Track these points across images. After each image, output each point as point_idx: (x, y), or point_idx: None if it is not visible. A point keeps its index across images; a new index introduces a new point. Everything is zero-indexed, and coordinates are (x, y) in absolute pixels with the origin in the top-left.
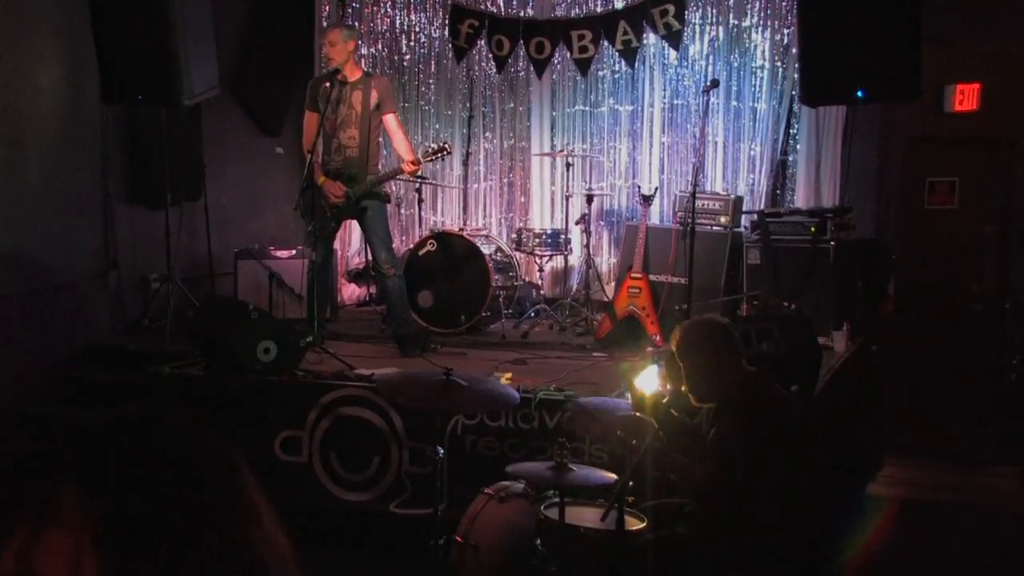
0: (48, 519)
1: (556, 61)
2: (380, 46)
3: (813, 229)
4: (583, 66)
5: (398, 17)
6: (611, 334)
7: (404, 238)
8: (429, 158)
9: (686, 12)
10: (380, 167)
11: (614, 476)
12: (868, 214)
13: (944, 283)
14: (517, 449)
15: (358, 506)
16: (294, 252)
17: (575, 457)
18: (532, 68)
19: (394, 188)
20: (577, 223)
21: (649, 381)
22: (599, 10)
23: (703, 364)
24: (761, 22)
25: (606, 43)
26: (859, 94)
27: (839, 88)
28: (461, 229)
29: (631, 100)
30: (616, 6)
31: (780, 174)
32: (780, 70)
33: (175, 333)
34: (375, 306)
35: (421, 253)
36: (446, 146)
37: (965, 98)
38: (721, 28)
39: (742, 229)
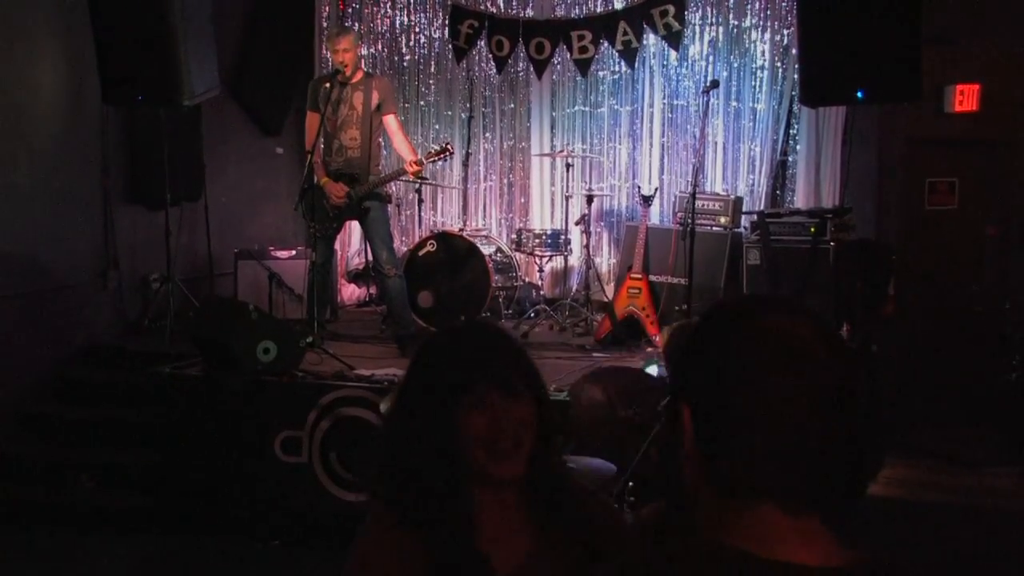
0: None
1: (556, 61)
2: (380, 46)
3: (813, 230)
4: (583, 66)
5: (398, 17)
6: (611, 334)
7: (404, 238)
8: (432, 158)
9: (686, 13)
10: (381, 168)
11: (612, 466)
12: (868, 214)
13: (944, 283)
14: None
15: (358, 506)
16: (294, 252)
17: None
18: (532, 68)
19: (394, 189)
20: (577, 223)
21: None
22: (599, 11)
23: None
24: (761, 23)
25: (606, 44)
26: (859, 95)
27: (839, 89)
28: (461, 229)
29: (631, 100)
30: (616, 7)
31: (780, 175)
32: (780, 71)
33: (175, 333)
34: (375, 306)
35: (421, 253)
36: (448, 147)
37: (965, 99)
38: (721, 29)
39: (742, 230)
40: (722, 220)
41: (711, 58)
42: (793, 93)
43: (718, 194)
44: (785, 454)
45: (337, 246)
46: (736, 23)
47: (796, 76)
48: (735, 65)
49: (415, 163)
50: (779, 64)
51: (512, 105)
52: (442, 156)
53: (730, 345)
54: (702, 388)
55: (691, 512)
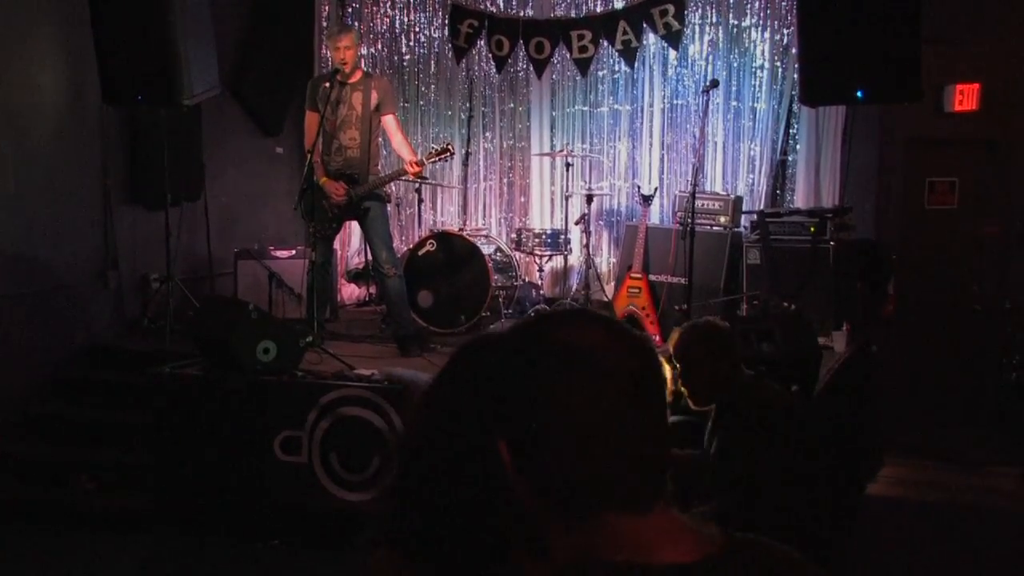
0: None
1: (556, 61)
2: (380, 46)
3: (813, 229)
4: (583, 66)
5: (398, 17)
6: None
7: (404, 238)
8: (432, 159)
9: (686, 12)
10: (381, 168)
11: None
12: (868, 214)
13: (944, 283)
14: None
15: (358, 506)
16: (294, 252)
17: None
18: (532, 68)
19: (394, 188)
20: (577, 223)
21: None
22: (599, 10)
23: (699, 368)
24: (761, 22)
25: (606, 43)
26: (859, 95)
27: (839, 88)
28: (461, 229)
29: (631, 100)
30: (616, 6)
31: (780, 174)
32: (780, 70)
33: (175, 333)
34: (375, 306)
35: (421, 253)
36: (449, 147)
37: (965, 98)
38: (721, 28)
39: (742, 229)
40: (722, 220)
41: (711, 57)
42: (793, 93)
43: (718, 194)
44: (606, 460)
45: (337, 246)
46: (736, 23)
47: (796, 76)
48: (735, 65)
49: (416, 164)
50: (779, 64)
51: (512, 105)
52: (443, 157)
53: (526, 370)
54: (511, 419)
55: (541, 543)
